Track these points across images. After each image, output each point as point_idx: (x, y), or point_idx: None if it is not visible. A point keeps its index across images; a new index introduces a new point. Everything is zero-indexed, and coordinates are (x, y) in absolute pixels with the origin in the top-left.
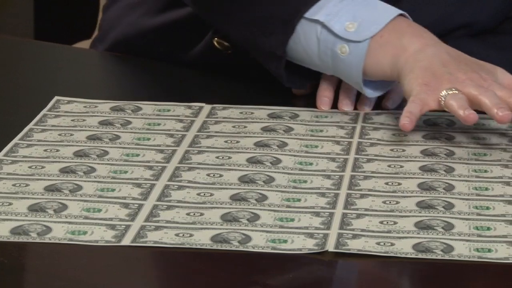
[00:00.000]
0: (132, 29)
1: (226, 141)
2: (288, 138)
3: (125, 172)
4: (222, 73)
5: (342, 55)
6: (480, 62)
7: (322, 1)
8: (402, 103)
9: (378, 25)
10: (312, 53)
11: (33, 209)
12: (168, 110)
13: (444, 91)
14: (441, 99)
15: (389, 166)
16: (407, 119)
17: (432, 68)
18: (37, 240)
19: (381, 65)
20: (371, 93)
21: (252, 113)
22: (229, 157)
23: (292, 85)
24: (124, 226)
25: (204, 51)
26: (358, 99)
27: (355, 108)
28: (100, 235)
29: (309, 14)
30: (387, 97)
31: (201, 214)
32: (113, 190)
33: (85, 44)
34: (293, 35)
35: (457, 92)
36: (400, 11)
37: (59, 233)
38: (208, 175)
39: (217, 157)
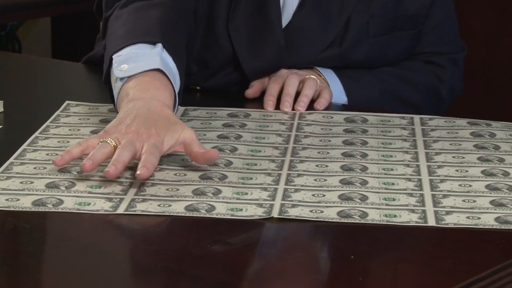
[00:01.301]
0: None
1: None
2: (243, 131)
3: None
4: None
5: (114, 89)
6: (173, 122)
7: (128, 47)
8: (330, 105)
9: (136, 70)
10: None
11: (49, 186)
12: None
13: (102, 139)
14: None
15: (318, 152)
16: (59, 156)
17: (123, 119)
18: (53, 210)
19: (118, 105)
20: None
21: (215, 113)
22: None
23: None
24: (118, 199)
25: None
26: (295, 102)
27: (293, 109)
28: (100, 206)
29: (114, 54)
30: (317, 101)
31: (177, 189)
32: None
33: None
34: (111, 72)
35: (108, 143)
36: (158, 66)
37: (69, 204)
38: (182, 160)
39: None
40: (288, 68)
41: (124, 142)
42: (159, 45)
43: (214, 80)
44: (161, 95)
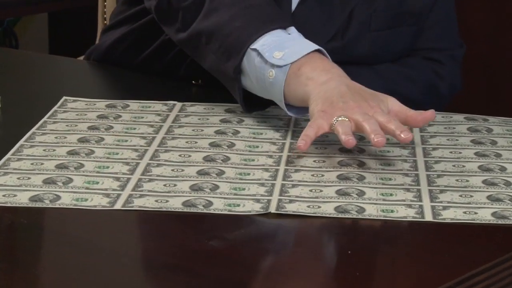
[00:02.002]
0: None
1: (193, 130)
2: (240, 127)
3: (117, 153)
4: (183, 79)
5: (269, 78)
6: (374, 92)
7: (265, 36)
8: None
9: (297, 55)
10: (254, 79)
11: (47, 182)
12: (149, 107)
13: (336, 117)
14: (332, 124)
15: (316, 148)
16: (303, 141)
17: (331, 98)
18: (50, 206)
19: (296, 92)
20: (295, 113)
21: (213, 108)
22: (196, 142)
23: (249, 110)
24: (116, 195)
25: (149, 57)
26: None
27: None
28: (97, 202)
29: (252, 45)
30: None
31: (175, 185)
32: (107, 167)
33: None
34: (243, 64)
35: (346, 119)
36: (318, 47)
37: (66, 200)
38: (180, 155)
39: (187, 142)
40: None
41: (360, 116)
42: (293, 28)
43: None
44: (342, 73)
